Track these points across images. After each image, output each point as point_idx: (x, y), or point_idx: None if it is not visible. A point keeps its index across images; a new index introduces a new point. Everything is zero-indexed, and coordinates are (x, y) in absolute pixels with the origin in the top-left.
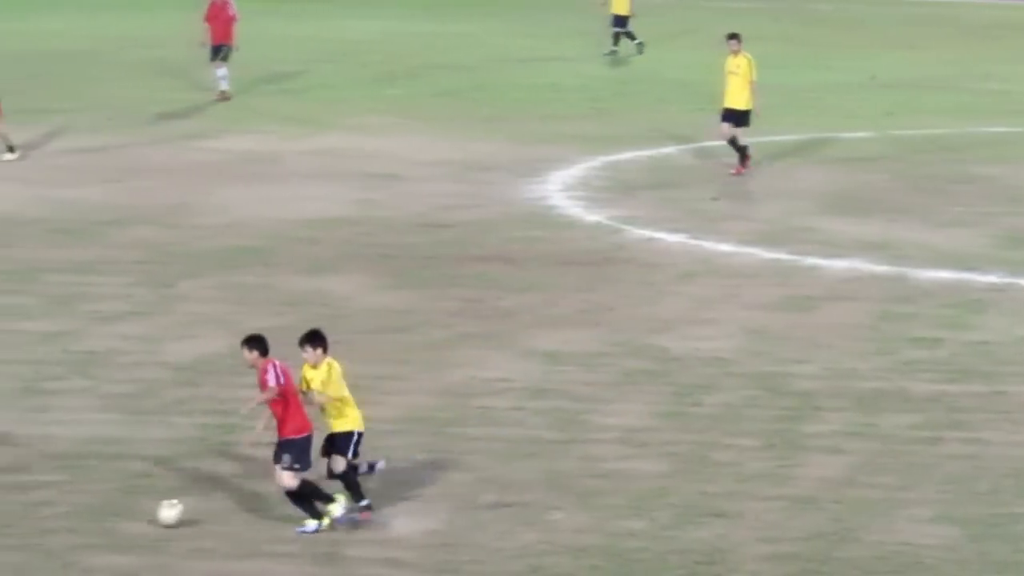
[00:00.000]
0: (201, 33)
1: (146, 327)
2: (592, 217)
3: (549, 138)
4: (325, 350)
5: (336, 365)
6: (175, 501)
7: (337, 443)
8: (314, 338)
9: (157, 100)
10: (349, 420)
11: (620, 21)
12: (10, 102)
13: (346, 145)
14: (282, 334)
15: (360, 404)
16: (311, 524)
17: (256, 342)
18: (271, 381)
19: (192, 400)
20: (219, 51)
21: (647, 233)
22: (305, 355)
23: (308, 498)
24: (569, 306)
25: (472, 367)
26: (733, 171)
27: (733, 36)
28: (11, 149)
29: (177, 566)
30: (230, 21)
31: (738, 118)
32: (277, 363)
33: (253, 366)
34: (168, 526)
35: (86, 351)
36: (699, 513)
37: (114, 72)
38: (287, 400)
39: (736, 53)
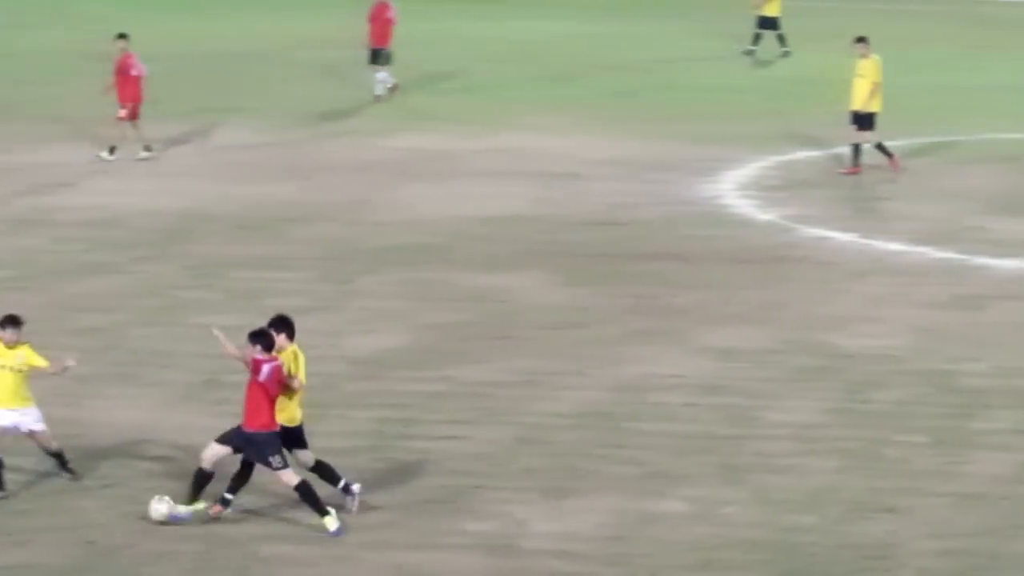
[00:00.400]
0: (364, 34)
1: (326, 322)
2: (765, 216)
3: (722, 138)
4: (289, 336)
5: (301, 354)
6: (166, 496)
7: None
8: (277, 324)
9: (336, 99)
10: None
11: (768, 22)
12: (190, 101)
13: (524, 144)
14: (460, 329)
15: (535, 399)
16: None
17: (260, 337)
18: (264, 372)
19: (370, 394)
20: (377, 55)
21: (819, 232)
22: None
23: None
24: (742, 303)
25: (646, 363)
26: (843, 170)
27: (861, 39)
28: (148, 148)
29: (355, 557)
30: (388, 24)
31: (862, 120)
32: (279, 364)
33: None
34: (161, 522)
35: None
36: (869, 508)
37: (290, 71)
38: (268, 395)
39: (864, 56)
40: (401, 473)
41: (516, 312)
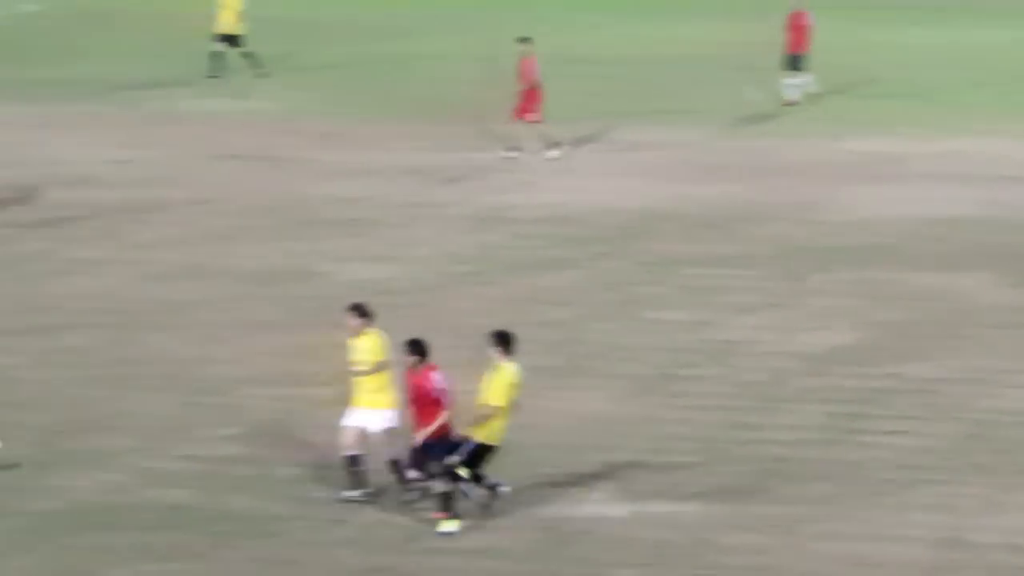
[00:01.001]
0: (783, 42)
1: (778, 318)
2: None
3: None
4: (504, 352)
5: (508, 370)
6: None
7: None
8: (494, 336)
9: (775, 102)
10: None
11: None
12: (647, 103)
13: (972, 148)
14: (909, 328)
15: (983, 397)
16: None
17: (415, 346)
18: (439, 385)
19: (821, 389)
20: (792, 61)
21: None
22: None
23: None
24: None
25: None
26: None
27: None
28: (556, 145)
29: (806, 547)
30: (803, 30)
31: None
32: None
33: (413, 368)
34: None
35: (721, 340)
36: None
37: (732, 75)
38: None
39: None
40: (848, 466)
41: (965, 311)
